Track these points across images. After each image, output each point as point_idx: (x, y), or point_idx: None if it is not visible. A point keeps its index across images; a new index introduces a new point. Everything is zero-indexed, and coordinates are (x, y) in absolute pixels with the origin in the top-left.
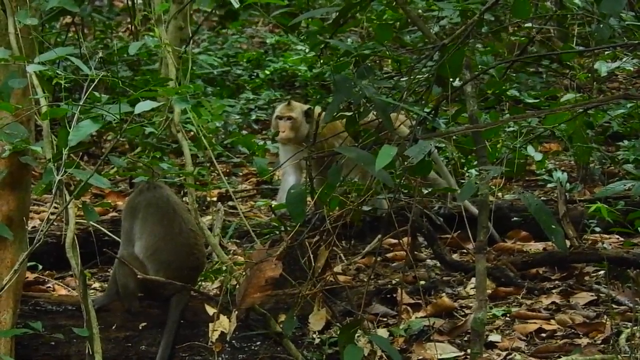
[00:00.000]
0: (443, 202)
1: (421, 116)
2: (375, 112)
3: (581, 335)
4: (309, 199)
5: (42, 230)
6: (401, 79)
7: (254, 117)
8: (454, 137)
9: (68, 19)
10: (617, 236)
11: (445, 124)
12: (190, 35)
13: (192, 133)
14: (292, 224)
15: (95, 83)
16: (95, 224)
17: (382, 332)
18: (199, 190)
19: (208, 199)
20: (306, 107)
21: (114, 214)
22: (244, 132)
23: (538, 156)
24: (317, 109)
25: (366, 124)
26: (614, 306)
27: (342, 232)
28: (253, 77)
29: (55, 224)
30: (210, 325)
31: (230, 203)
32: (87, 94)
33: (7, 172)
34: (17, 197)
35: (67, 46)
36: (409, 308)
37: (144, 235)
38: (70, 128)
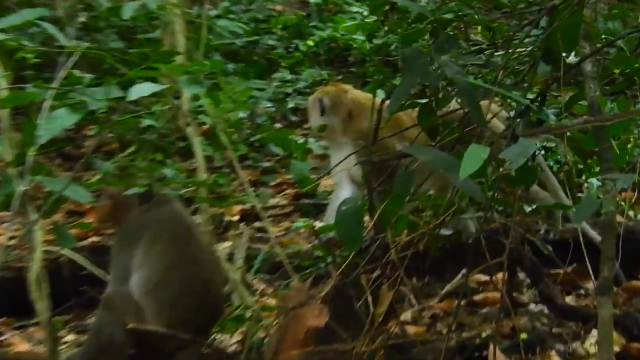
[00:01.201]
0: (552, 224)
1: (522, 105)
2: (459, 99)
3: None
4: (366, 218)
5: None
6: (495, 54)
7: (291, 104)
8: (568, 134)
9: None
10: None
11: (556, 116)
12: None
13: (206, 127)
14: (343, 254)
15: (74, 58)
16: (71, 253)
17: None
18: (214, 206)
19: (227, 218)
20: (320, 94)
21: (96, 238)
22: (278, 125)
23: None
24: (380, 95)
25: (447, 115)
26: None
27: (413, 265)
28: (291, 49)
29: (15, 252)
30: None
31: (257, 224)
32: (63, 73)
33: None
34: None
35: (36, 7)
36: None
37: (145, 264)
38: (39, 119)
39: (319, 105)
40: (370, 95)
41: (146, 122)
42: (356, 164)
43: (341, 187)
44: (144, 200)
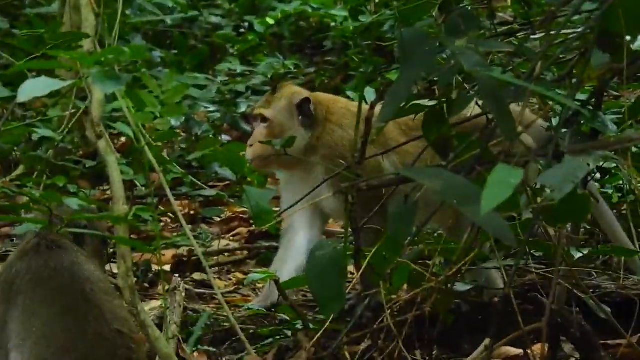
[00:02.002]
0: (612, 277)
1: (570, 109)
2: (480, 101)
3: None
4: (351, 267)
5: None
6: (532, 37)
7: (244, 108)
8: (633, 149)
9: None
10: None
11: (617, 125)
12: None
13: (124, 140)
14: (318, 317)
15: None
16: None
17: None
18: (138, 251)
19: (156, 267)
20: (301, 95)
21: None
22: (225, 138)
23: None
24: (369, 95)
25: (463, 123)
26: None
27: (416, 334)
28: (242, 30)
29: None
30: None
31: (197, 275)
32: None
33: None
34: None
35: None
36: None
37: (28, 341)
38: None
39: (298, 110)
40: (344, 101)
41: (40, 132)
42: (335, 193)
43: (296, 227)
44: None
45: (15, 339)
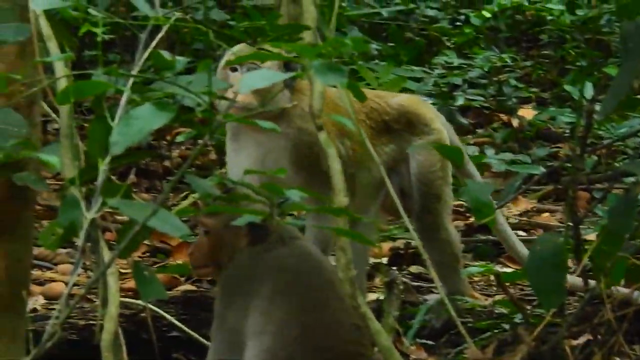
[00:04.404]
0: None
1: None
2: None
3: None
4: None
5: (56, 317)
6: None
7: (460, 101)
8: None
9: None
10: None
11: None
12: None
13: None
14: (538, 311)
15: (161, 34)
16: (156, 308)
17: None
18: (359, 243)
19: (373, 260)
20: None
21: (190, 286)
22: None
23: None
24: (587, 89)
25: None
26: None
27: (636, 328)
28: (458, 23)
29: (80, 305)
30: None
31: (414, 268)
32: (145, 54)
33: None
34: (8, 253)
35: None
36: None
37: (267, 330)
38: (113, 121)
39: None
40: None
41: (262, 125)
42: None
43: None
44: (258, 237)
45: (255, 329)
